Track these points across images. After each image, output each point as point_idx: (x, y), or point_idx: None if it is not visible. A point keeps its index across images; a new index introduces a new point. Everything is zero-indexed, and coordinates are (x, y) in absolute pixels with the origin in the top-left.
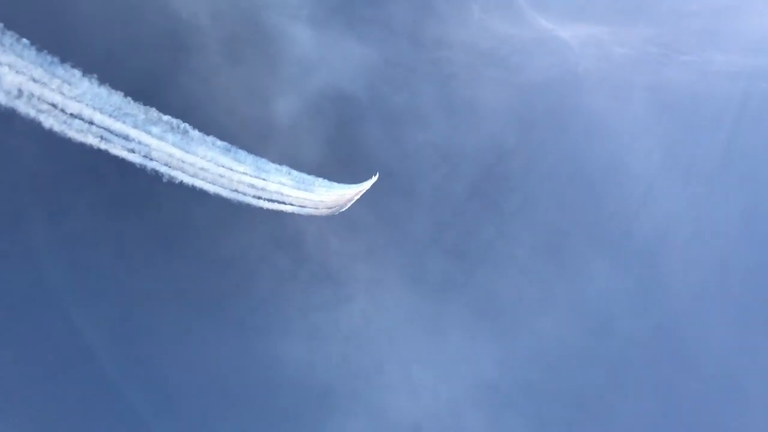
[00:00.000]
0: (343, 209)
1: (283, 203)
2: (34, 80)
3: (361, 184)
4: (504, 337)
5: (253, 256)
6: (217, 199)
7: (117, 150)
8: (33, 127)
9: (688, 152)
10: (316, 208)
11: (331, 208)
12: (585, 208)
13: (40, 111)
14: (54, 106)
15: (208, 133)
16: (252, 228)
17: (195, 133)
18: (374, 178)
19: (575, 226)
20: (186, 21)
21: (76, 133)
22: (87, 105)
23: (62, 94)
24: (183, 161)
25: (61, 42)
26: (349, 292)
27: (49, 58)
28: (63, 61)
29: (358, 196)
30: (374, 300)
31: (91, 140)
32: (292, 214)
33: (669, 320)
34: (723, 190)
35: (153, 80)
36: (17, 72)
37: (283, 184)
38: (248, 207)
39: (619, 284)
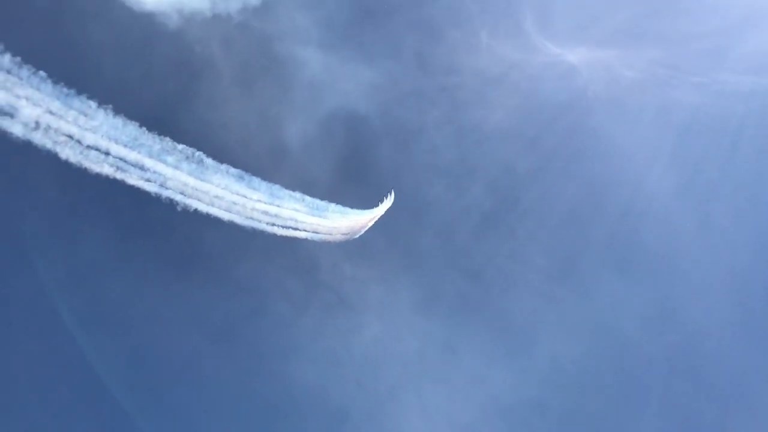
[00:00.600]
0: (358, 235)
1: (297, 229)
2: (51, 112)
3: (374, 209)
4: (518, 359)
5: (267, 283)
6: (232, 226)
7: (133, 179)
8: (50, 158)
9: (699, 172)
10: (330, 234)
11: (345, 234)
12: (597, 230)
13: (56, 142)
14: (70, 137)
15: (221, 161)
16: (266, 255)
17: (209, 162)
18: (388, 204)
19: (588, 248)
20: (198, 50)
21: (92, 163)
22: (103, 136)
23: (78, 125)
24: (197, 189)
25: (77, 74)
26: (362, 317)
27: (65, 90)
28: (79, 93)
29: (372, 222)
30: (388, 325)
31: (107, 170)
32: (306, 240)
33: (685, 339)
34: (736, 208)
35: (167, 110)
36: (34, 104)
37: (297, 210)
38: (262, 234)
39: (633, 304)
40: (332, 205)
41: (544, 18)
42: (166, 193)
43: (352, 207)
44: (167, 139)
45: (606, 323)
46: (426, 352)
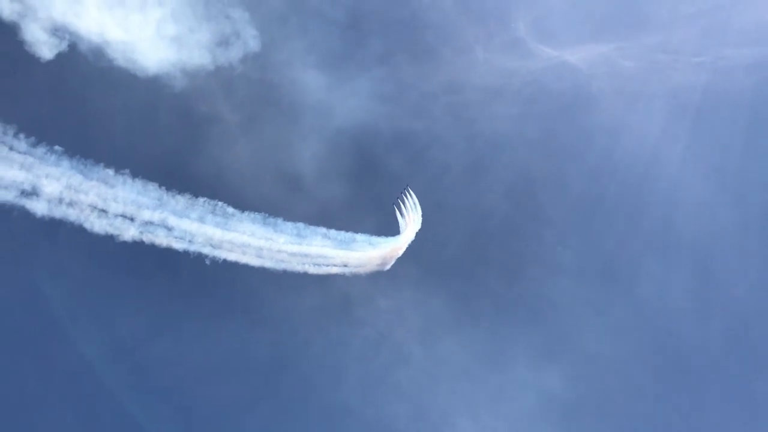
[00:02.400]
0: (390, 265)
1: (328, 266)
2: (72, 187)
3: (401, 235)
4: (566, 360)
5: (305, 327)
6: (263, 272)
7: (160, 240)
8: (78, 231)
9: (722, 149)
10: (362, 267)
11: (378, 264)
12: (626, 225)
13: (82, 215)
14: (94, 208)
15: (243, 209)
16: (299, 298)
17: (231, 211)
18: (416, 227)
19: (623, 242)
20: (204, 104)
21: (118, 230)
22: (125, 202)
23: (100, 195)
24: (224, 240)
25: (91, 145)
26: (405, 349)
27: (82, 162)
28: (96, 162)
29: (403, 249)
30: (431, 352)
31: (133, 234)
32: (338, 277)
33: (735, 322)
34: (760, 183)
35: (183, 167)
36: (56, 180)
37: (324, 246)
38: (294, 275)
39: (675, 296)
40: (358, 236)
41: (537, 23)
42: (193, 248)
43: (378, 235)
44: (187, 195)
45: (652, 320)
46: (472, 368)
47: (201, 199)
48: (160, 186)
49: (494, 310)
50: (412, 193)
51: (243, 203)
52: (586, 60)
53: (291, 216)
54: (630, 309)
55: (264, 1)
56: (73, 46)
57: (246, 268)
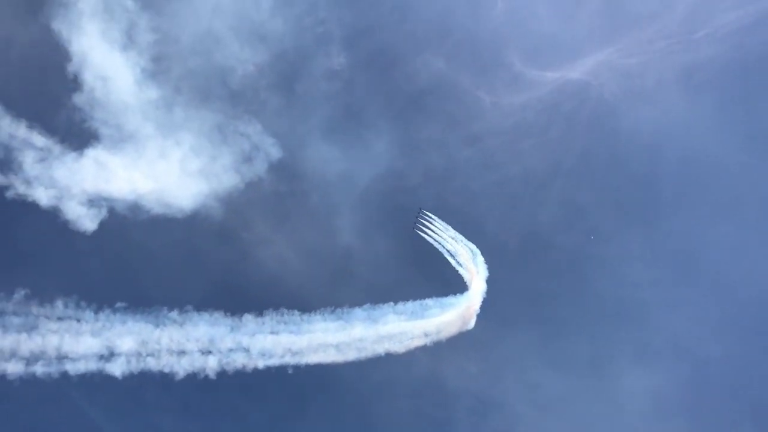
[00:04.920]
0: (473, 321)
1: (409, 339)
2: (145, 341)
3: (471, 288)
4: (665, 367)
5: (404, 415)
6: (347, 365)
7: (242, 362)
8: (164, 379)
9: (754, 117)
10: (443, 331)
11: (459, 325)
12: (703, 222)
13: (162, 362)
14: (172, 352)
15: (309, 310)
16: (389, 384)
17: (298, 316)
18: (483, 276)
19: (704, 245)
20: (238, 222)
21: (200, 366)
22: (196, 338)
23: (172, 338)
24: (302, 346)
25: (149, 294)
26: (514, 411)
27: (146, 312)
28: (159, 309)
29: (478, 305)
30: (542, 408)
31: (212, 366)
32: (419, 354)
33: None
34: None
35: (239, 288)
36: (131, 338)
37: (399, 321)
38: (377, 359)
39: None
40: (427, 301)
41: (529, 53)
42: (273, 362)
43: (446, 295)
44: (253, 313)
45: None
46: (582, 405)
47: (267, 314)
48: (225, 313)
49: (592, 352)
50: (429, 214)
51: (307, 304)
52: (589, 71)
53: (355, 301)
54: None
55: (267, 106)
56: (111, 210)
57: (330, 366)
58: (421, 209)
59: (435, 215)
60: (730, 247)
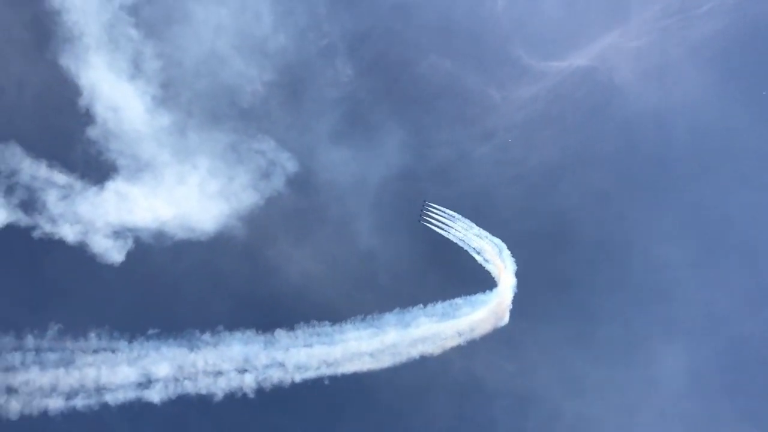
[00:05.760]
0: (507, 316)
1: (443, 340)
2: (180, 366)
3: (499, 286)
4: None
5: (445, 419)
6: (383, 372)
7: (278, 377)
8: (204, 402)
9: (764, 85)
10: (477, 329)
11: (493, 321)
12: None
13: (201, 386)
14: (207, 373)
15: (339, 320)
16: (427, 388)
17: (329, 327)
18: (512, 274)
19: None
20: (262, 238)
21: (241, 385)
22: (231, 359)
23: (208, 361)
24: (337, 356)
25: (182, 317)
26: (555, 405)
27: (180, 336)
28: (191, 332)
29: (510, 299)
30: (582, 398)
31: (250, 383)
32: (454, 355)
33: None
34: None
35: (267, 304)
36: (163, 362)
37: (431, 323)
38: (412, 363)
39: None
40: (456, 300)
41: (534, 44)
42: (307, 375)
43: (474, 293)
44: (284, 328)
45: None
46: (622, 390)
47: (298, 328)
48: (257, 331)
49: (622, 322)
50: (435, 205)
51: (336, 315)
52: (596, 57)
53: (384, 306)
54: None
55: (278, 121)
56: (136, 240)
57: (366, 375)
58: (425, 201)
59: (460, 214)
60: (756, 217)
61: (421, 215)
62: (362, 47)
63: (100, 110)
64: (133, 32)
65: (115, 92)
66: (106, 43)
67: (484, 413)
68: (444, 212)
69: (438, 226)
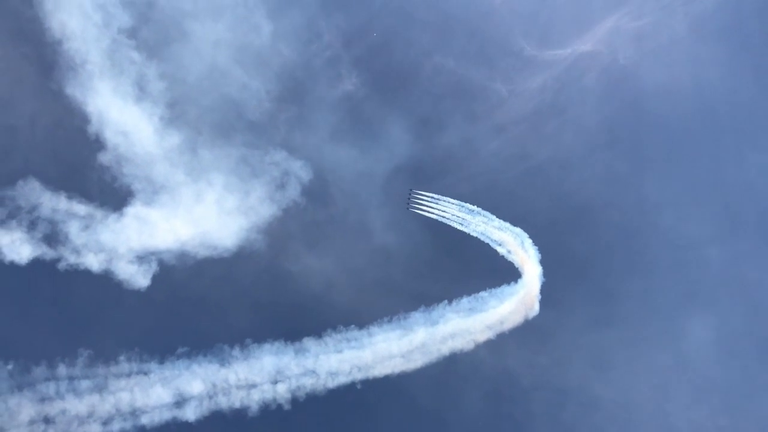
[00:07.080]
0: (536, 307)
1: (473, 334)
2: (213, 383)
3: (524, 276)
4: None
5: (481, 415)
6: (416, 371)
7: (312, 385)
8: (239, 417)
9: None
10: (506, 322)
11: (523, 313)
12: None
13: (233, 399)
14: (241, 386)
15: (367, 324)
16: (460, 385)
17: (357, 331)
18: (536, 260)
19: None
20: (282, 249)
21: (273, 396)
22: (261, 370)
23: (238, 375)
24: (368, 360)
25: (208, 333)
26: (590, 392)
27: (208, 352)
28: (220, 346)
29: (537, 289)
30: (616, 384)
31: (282, 394)
32: (485, 351)
33: None
34: None
35: (293, 314)
36: (196, 380)
37: (459, 319)
38: (444, 361)
39: None
40: (482, 294)
41: (536, 34)
42: (339, 381)
43: (499, 285)
44: (312, 336)
45: None
46: (656, 372)
47: (326, 335)
48: (285, 341)
49: (651, 303)
50: (422, 192)
51: (363, 318)
52: (600, 41)
53: (409, 306)
54: None
55: (288, 131)
56: (160, 263)
57: (399, 376)
58: (411, 190)
59: (480, 208)
60: None
61: (408, 204)
62: (366, 54)
63: (110, 136)
64: (135, 55)
65: (123, 116)
66: (109, 68)
67: (521, 407)
68: (431, 197)
69: (427, 211)
